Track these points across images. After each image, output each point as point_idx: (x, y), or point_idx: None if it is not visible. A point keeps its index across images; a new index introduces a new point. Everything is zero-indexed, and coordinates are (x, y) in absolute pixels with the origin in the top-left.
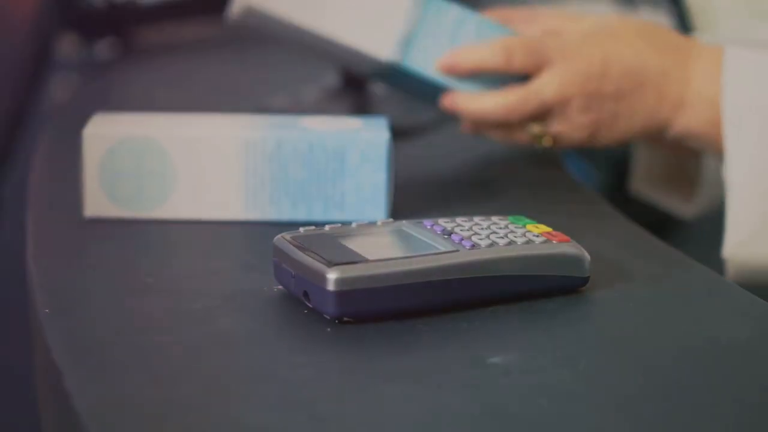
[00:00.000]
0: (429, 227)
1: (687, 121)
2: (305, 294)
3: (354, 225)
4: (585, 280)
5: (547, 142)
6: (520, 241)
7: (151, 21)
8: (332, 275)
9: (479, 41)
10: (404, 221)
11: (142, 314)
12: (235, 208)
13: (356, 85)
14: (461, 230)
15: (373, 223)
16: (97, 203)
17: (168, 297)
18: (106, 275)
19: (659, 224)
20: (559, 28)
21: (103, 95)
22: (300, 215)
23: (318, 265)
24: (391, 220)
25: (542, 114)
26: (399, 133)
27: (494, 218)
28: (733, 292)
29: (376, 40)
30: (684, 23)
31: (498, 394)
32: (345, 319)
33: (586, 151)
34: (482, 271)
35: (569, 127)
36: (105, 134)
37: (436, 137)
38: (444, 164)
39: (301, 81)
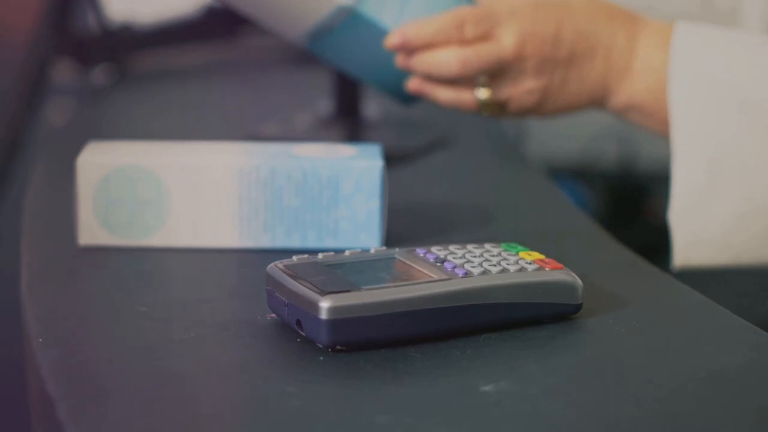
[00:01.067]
0: (422, 255)
1: (631, 90)
2: (298, 322)
3: (347, 253)
4: (578, 307)
5: (493, 110)
6: (512, 268)
7: (146, 47)
8: (325, 304)
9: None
10: (397, 249)
11: (135, 343)
12: (228, 236)
13: (349, 111)
14: (454, 258)
15: (366, 251)
16: (90, 232)
17: (161, 325)
18: (100, 304)
19: (655, 246)
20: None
21: (98, 121)
22: (294, 243)
23: (311, 294)
24: (384, 248)
25: (496, 72)
26: (391, 159)
27: (487, 245)
28: (726, 318)
29: None
30: None
31: (490, 423)
32: (338, 347)
33: (582, 174)
34: (475, 299)
35: (519, 92)
36: (99, 162)
37: (428, 162)
38: (437, 190)
39: (294, 107)
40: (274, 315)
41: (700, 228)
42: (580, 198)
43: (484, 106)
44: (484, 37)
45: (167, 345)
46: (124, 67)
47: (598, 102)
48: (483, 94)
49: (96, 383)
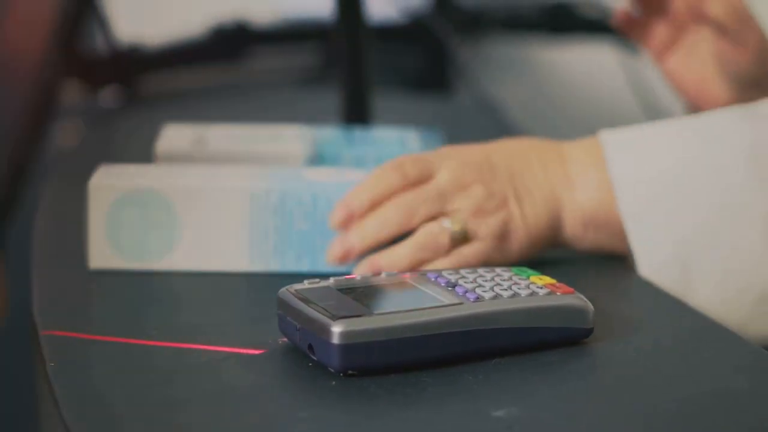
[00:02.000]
0: (433, 279)
1: (580, 199)
2: (310, 347)
3: (358, 278)
4: (589, 332)
5: (462, 239)
6: (524, 293)
7: (155, 69)
8: (337, 328)
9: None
10: (408, 273)
11: (147, 367)
12: (239, 260)
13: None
14: (465, 282)
15: (377, 276)
16: (102, 255)
17: (172, 350)
18: (111, 328)
19: None
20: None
21: (107, 143)
22: (304, 267)
23: (322, 319)
24: (395, 272)
25: (444, 206)
26: None
27: (498, 269)
28: (735, 341)
29: None
30: None
31: None
32: (350, 372)
33: None
34: (486, 323)
35: (483, 218)
36: (110, 185)
37: None
38: None
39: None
40: (285, 339)
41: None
42: None
43: (458, 236)
44: (422, 179)
45: (178, 370)
46: (133, 88)
47: (557, 217)
48: (452, 224)
49: (108, 408)
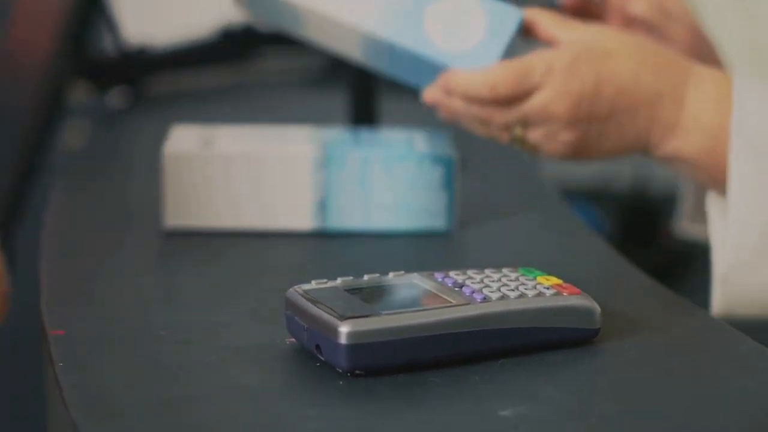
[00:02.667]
0: (440, 280)
1: (679, 146)
2: (317, 347)
3: (366, 278)
4: (596, 332)
5: (527, 147)
6: (530, 293)
7: (162, 70)
8: (344, 329)
9: None
10: (416, 273)
11: (155, 366)
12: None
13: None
14: (472, 283)
15: (384, 276)
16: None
17: (181, 349)
18: (120, 327)
19: (669, 267)
20: (553, 41)
21: (115, 144)
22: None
23: (330, 319)
24: (402, 272)
25: (527, 122)
26: None
27: (505, 270)
28: (743, 341)
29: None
30: None
31: None
32: (357, 372)
33: (595, 196)
34: (493, 323)
35: (551, 142)
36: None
37: None
38: None
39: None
40: (293, 339)
41: (749, 284)
42: (594, 220)
43: (518, 142)
44: (520, 96)
45: (186, 368)
46: (141, 89)
47: (640, 151)
48: (517, 131)
49: (116, 407)
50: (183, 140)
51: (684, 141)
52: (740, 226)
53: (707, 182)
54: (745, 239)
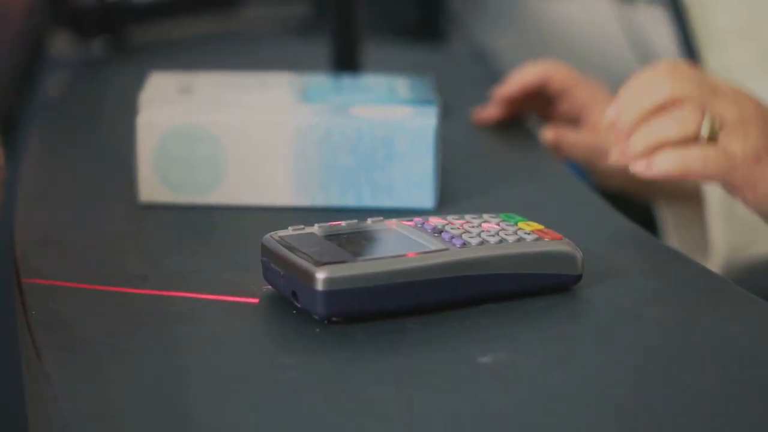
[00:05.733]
0: (420, 225)
1: None
2: (294, 294)
3: (344, 224)
4: (578, 278)
5: (719, 159)
6: (511, 239)
7: (145, 19)
8: (321, 275)
9: None
10: (394, 219)
11: (129, 315)
12: (285, 194)
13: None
14: (452, 228)
15: (362, 222)
16: (151, 189)
17: (155, 298)
18: (94, 275)
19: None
20: None
21: (96, 93)
22: (349, 201)
23: (307, 265)
24: (381, 218)
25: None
26: None
27: (486, 216)
28: (727, 288)
29: None
30: (681, 23)
31: (488, 395)
32: (334, 319)
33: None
34: (472, 269)
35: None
36: (158, 122)
37: None
38: None
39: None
40: (269, 286)
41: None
42: (585, 175)
43: (711, 135)
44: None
45: (160, 318)
46: (122, 39)
47: None
48: (707, 128)
49: (88, 357)
50: (160, 91)
51: None
52: None
53: None
54: None
